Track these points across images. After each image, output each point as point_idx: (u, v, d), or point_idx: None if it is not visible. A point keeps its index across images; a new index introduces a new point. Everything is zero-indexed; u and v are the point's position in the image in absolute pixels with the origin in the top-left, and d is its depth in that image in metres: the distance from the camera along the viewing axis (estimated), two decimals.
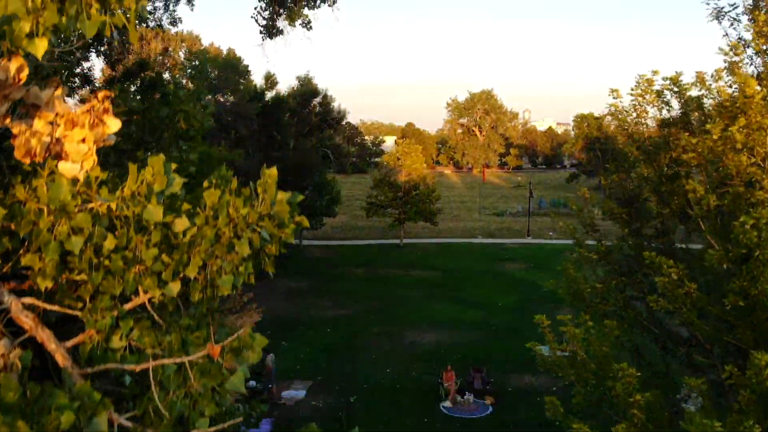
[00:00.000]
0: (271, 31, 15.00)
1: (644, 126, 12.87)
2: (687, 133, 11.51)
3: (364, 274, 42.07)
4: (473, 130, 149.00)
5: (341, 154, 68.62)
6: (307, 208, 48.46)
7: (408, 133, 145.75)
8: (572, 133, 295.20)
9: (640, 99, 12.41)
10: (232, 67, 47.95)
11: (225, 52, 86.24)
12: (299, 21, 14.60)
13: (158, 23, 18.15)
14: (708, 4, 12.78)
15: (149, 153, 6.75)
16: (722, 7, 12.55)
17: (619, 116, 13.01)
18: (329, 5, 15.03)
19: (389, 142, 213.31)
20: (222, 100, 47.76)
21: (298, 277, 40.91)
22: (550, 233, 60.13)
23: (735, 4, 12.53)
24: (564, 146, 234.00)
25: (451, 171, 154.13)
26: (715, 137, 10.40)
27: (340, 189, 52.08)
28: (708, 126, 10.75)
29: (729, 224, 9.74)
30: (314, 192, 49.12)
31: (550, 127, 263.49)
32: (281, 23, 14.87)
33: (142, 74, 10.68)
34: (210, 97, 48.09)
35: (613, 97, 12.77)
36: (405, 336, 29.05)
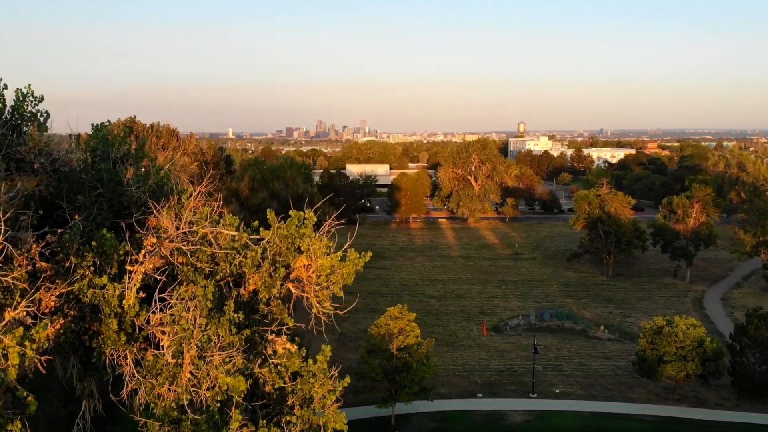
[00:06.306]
0: None
1: None
2: None
3: None
4: (468, 179, 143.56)
5: None
6: None
7: (401, 183, 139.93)
8: (568, 154, 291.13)
9: None
10: None
11: None
12: None
13: None
14: None
15: None
16: None
17: None
18: None
19: (381, 171, 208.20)
20: None
21: None
22: (556, 390, 55.01)
23: None
24: (561, 175, 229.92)
25: (445, 221, 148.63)
26: None
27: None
28: None
29: None
30: None
31: (546, 152, 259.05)
32: None
33: None
34: None
35: None
36: None
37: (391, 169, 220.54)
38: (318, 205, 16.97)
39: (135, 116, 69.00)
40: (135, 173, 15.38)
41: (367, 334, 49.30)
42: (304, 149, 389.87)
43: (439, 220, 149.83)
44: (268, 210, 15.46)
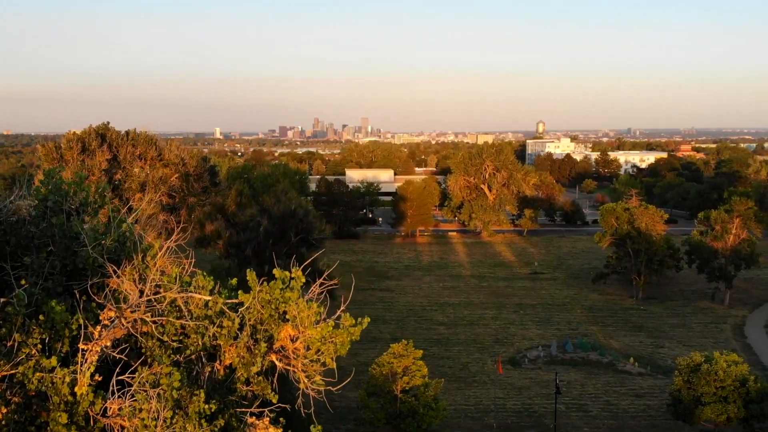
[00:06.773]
0: None
1: None
2: None
3: None
4: (481, 188, 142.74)
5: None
6: None
7: (407, 192, 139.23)
8: (592, 158, 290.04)
9: None
10: None
11: None
12: None
13: None
14: None
15: None
16: None
17: None
18: None
19: (385, 177, 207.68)
20: None
21: None
22: None
23: None
24: (585, 182, 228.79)
25: (456, 234, 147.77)
26: None
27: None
28: None
29: None
30: None
31: (568, 155, 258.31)
32: None
33: None
34: None
35: None
36: None
37: (395, 174, 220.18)
38: (307, 262, 16.12)
39: (108, 122, 68.50)
40: (92, 228, 14.56)
41: (367, 374, 48.32)
42: (299, 151, 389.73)
43: (450, 233, 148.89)
44: (248, 270, 14.63)
